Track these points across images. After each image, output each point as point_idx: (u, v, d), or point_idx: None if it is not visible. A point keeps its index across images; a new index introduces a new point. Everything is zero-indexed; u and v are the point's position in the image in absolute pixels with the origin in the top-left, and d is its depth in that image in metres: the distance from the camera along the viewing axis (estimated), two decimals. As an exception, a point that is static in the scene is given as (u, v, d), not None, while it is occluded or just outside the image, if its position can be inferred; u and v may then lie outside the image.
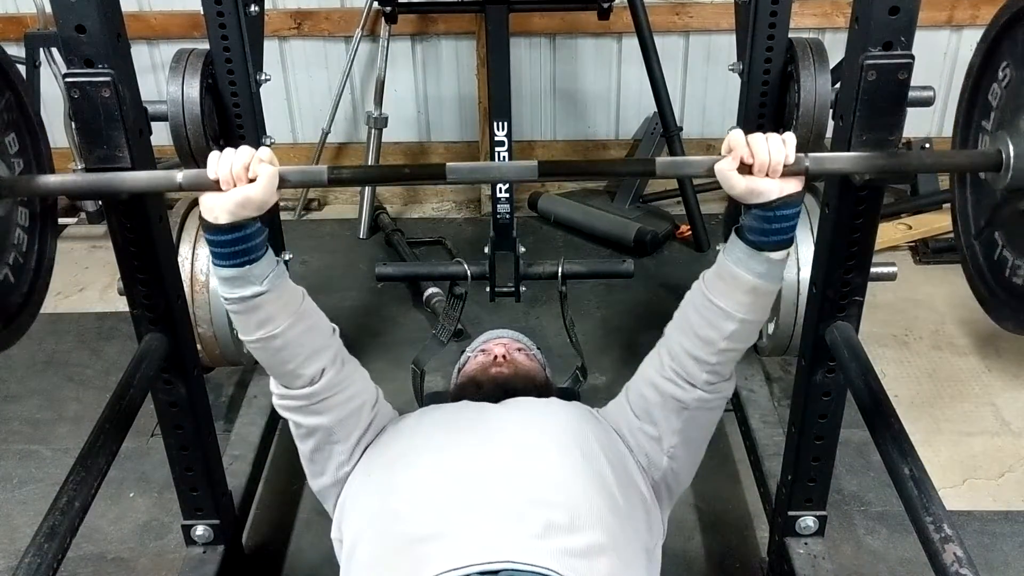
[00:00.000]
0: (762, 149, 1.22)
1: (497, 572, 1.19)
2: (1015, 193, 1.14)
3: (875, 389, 1.45)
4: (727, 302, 1.33)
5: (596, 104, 3.64)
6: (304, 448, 1.50)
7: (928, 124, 3.55)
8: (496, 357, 1.74)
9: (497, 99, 2.19)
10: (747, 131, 2.12)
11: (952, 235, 3.23)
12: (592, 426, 1.48)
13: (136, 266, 1.56)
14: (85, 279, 3.27)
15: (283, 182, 1.28)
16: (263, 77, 2.15)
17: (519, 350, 1.81)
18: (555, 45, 3.51)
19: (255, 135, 2.16)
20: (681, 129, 3.32)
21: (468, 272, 2.34)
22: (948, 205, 3.27)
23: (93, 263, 3.36)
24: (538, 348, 1.92)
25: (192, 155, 2.08)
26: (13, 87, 1.33)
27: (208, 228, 1.28)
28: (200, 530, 1.86)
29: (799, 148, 2.04)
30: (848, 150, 1.44)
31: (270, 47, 3.44)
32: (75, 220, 3.52)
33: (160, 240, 1.57)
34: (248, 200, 1.25)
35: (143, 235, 1.53)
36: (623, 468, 1.42)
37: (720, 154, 1.27)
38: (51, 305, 3.09)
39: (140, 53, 3.48)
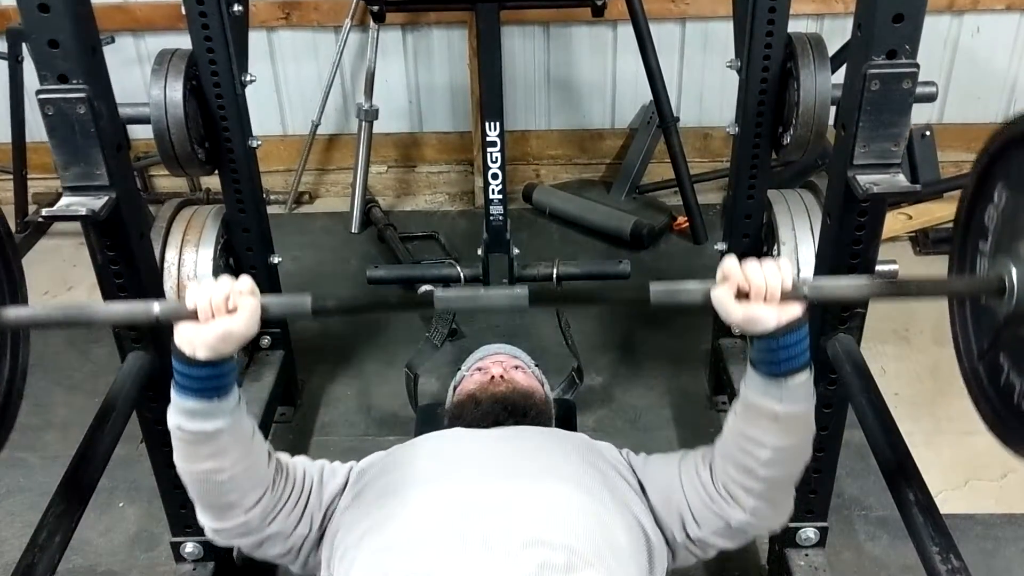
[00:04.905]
0: (757, 276, 1.19)
1: None
2: (1020, 318, 1.10)
3: (878, 407, 1.42)
4: (755, 431, 1.29)
5: (591, 93, 3.58)
6: (265, 554, 1.42)
7: (929, 110, 3.49)
8: (493, 377, 1.69)
9: (489, 99, 2.14)
10: (745, 132, 2.13)
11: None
12: (593, 458, 1.43)
13: (117, 284, 1.52)
14: (73, 277, 3.22)
15: (265, 313, 1.22)
16: (248, 78, 2.09)
17: (516, 367, 1.76)
18: (549, 34, 3.44)
19: (241, 137, 2.11)
20: (678, 119, 3.26)
21: (461, 274, 2.31)
22: (949, 195, 3.27)
23: (81, 260, 3.29)
24: (536, 364, 1.87)
25: (176, 159, 2.03)
26: None
27: (180, 359, 1.21)
28: (190, 547, 1.83)
29: (797, 147, 2.05)
30: (851, 162, 1.40)
31: (258, 38, 3.39)
32: (62, 216, 3.45)
33: (141, 258, 1.53)
34: (229, 334, 1.19)
35: (123, 254, 1.49)
36: (625, 505, 1.37)
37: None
38: (39, 305, 3.04)
39: (125, 45, 3.41)
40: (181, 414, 1.25)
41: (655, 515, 1.40)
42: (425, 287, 2.89)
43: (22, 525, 2.19)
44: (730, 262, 1.21)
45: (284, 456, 1.43)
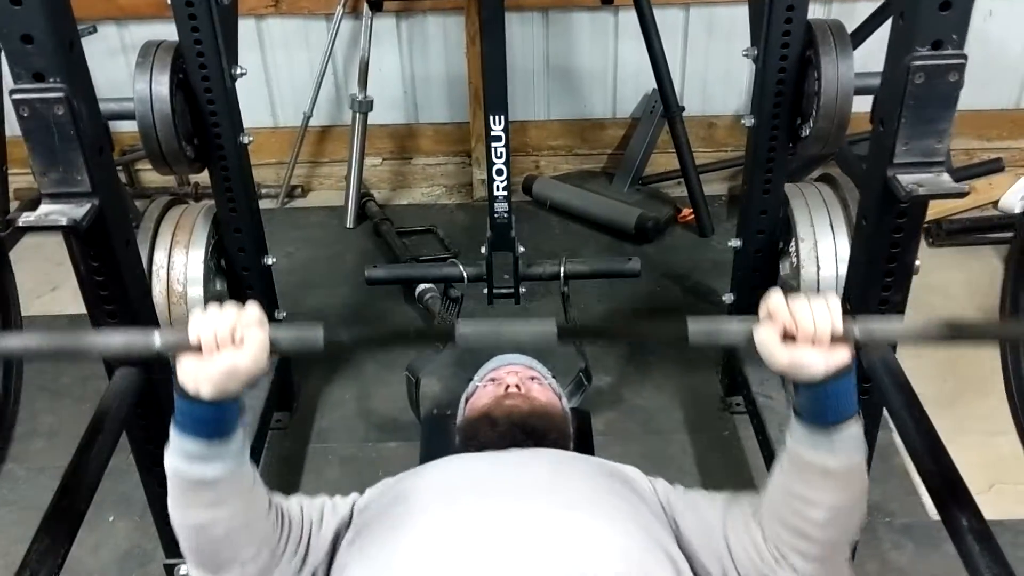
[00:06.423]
0: (806, 317, 1.08)
1: None
2: None
3: (923, 425, 1.32)
4: (805, 488, 1.16)
5: (592, 81, 3.47)
6: None
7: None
8: (508, 388, 1.58)
9: (493, 91, 2.02)
10: (762, 124, 2.02)
11: (967, 215, 3.06)
12: (619, 487, 1.31)
13: (102, 297, 1.42)
14: (58, 276, 3.10)
15: (274, 348, 1.12)
16: (238, 71, 1.98)
17: (532, 378, 1.65)
18: (548, 20, 3.33)
19: (232, 134, 2.00)
20: (683, 109, 3.16)
21: (464, 274, 2.21)
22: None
23: (66, 258, 3.15)
24: (552, 376, 1.75)
25: (163, 156, 1.92)
26: None
27: (182, 396, 1.10)
28: (184, 570, 1.73)
29: (818, 140, 1.95)
30: (891, 160, 1.30)
31: (247, 27, 3.26)
32: (47, 212, 3.33)
33: (127, 267, 1.42)
34: (236, 370, 1.08)
35: (108, 264, 1.38)
36: (656, 541, 1.24)
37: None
38: (24, 306, 2.92)
39: (109, 34, 3.29)
40: (180, 456, 1.14)
41: (688, 555, 1.29)
42: (425, 284, 2.80)
43: (7, 542, 2.09)
44: (776, 298, 1.10)
45: (280, 499, 1.30)
